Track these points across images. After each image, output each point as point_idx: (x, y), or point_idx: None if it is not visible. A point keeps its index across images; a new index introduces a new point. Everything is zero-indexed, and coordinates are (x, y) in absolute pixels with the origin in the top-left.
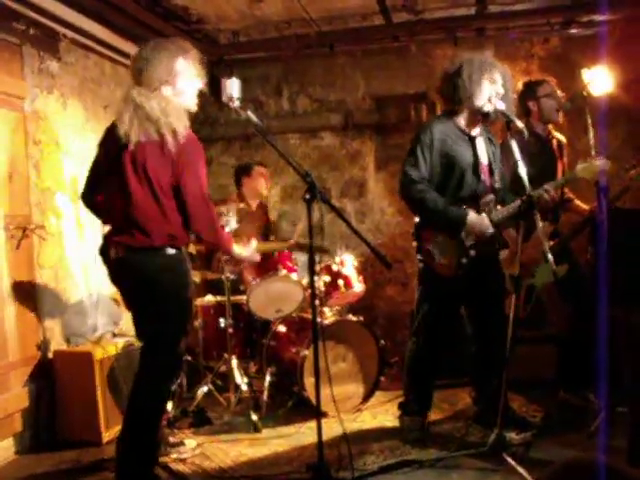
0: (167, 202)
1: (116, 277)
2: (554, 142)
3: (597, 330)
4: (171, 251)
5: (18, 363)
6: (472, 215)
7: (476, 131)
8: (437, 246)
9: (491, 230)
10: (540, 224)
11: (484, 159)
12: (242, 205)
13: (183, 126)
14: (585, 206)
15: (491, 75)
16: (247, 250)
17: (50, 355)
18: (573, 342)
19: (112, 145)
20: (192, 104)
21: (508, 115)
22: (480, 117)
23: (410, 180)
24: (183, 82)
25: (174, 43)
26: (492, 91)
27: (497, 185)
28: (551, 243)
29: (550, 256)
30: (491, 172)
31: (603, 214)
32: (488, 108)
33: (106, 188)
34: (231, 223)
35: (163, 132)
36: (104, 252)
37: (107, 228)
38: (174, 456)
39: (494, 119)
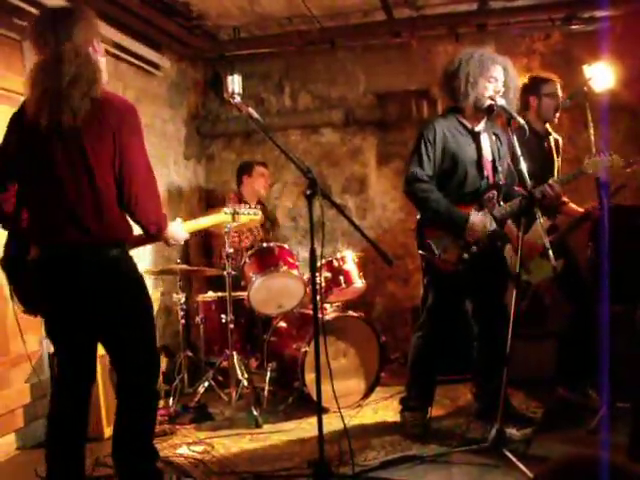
0: (108, 191)
1: (41, 282)
2: (551, 140)
3: (596, 326)
4: (115, 251)
5: (20, 359)
6: (473, 217)
7: (480, 127)
8: (439, 241)
9: (494, 226)
10: (540, 220)
11: (488, 155)
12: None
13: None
14: (580, 209)
15: (490, 73)
16: (175, 229)
17: (52, 351)
18: (571, 338)
19: (28, 132)
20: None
21: (509, 111)
22: (483, 113)
23: (415, 178)
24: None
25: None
26: (491, 90)
27: (501, 181)
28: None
29: (550, 252)
30: (495, 168)
31: (604, 211)
32: (488, 104)
33: (19, 185)
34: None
35: (98, 99)
36: (13, 252)
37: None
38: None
39: (497, 114)
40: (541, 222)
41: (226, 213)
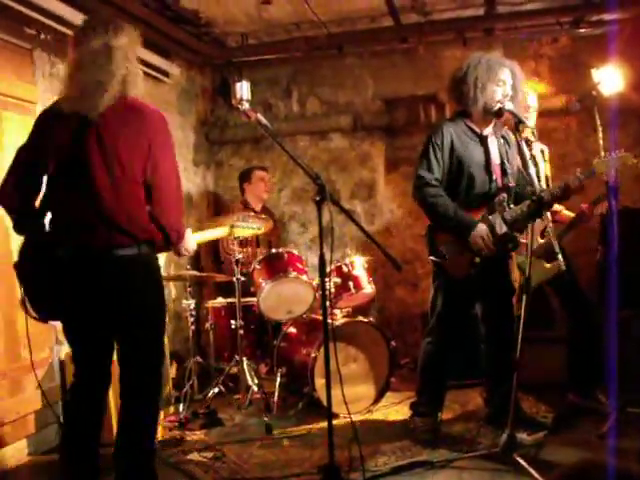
0: (138, 194)
1: (66, 281)
2: (536, 147)
3: (603, 330)
4: (146, 249)
5: (31, 365)
6: (480, 228)
7: (488, 130)
8: (450, 246)
9: (504, 229)
10: (550, 224)
11: (496, 158)
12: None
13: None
14: (572, 214)
15: (498, 77)
16: (189, 239)
17: (62, 357)
18: (574, 343)
19: (63, 130)
20: None
21: (517, 116)
22: (491, 117)
23: (423, 183)
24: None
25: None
26: (499, 94)
27: (510, 184)
28: (542, 241)
29: (560, 256)
30: (504, 171)
31: (614, 214)
32: (496, 109)
33: (48, 184)
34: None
35: (135, 105)
36: (36, 249)
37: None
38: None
39: (505, 118)
40: (551, 225)
41: (232, 226)
